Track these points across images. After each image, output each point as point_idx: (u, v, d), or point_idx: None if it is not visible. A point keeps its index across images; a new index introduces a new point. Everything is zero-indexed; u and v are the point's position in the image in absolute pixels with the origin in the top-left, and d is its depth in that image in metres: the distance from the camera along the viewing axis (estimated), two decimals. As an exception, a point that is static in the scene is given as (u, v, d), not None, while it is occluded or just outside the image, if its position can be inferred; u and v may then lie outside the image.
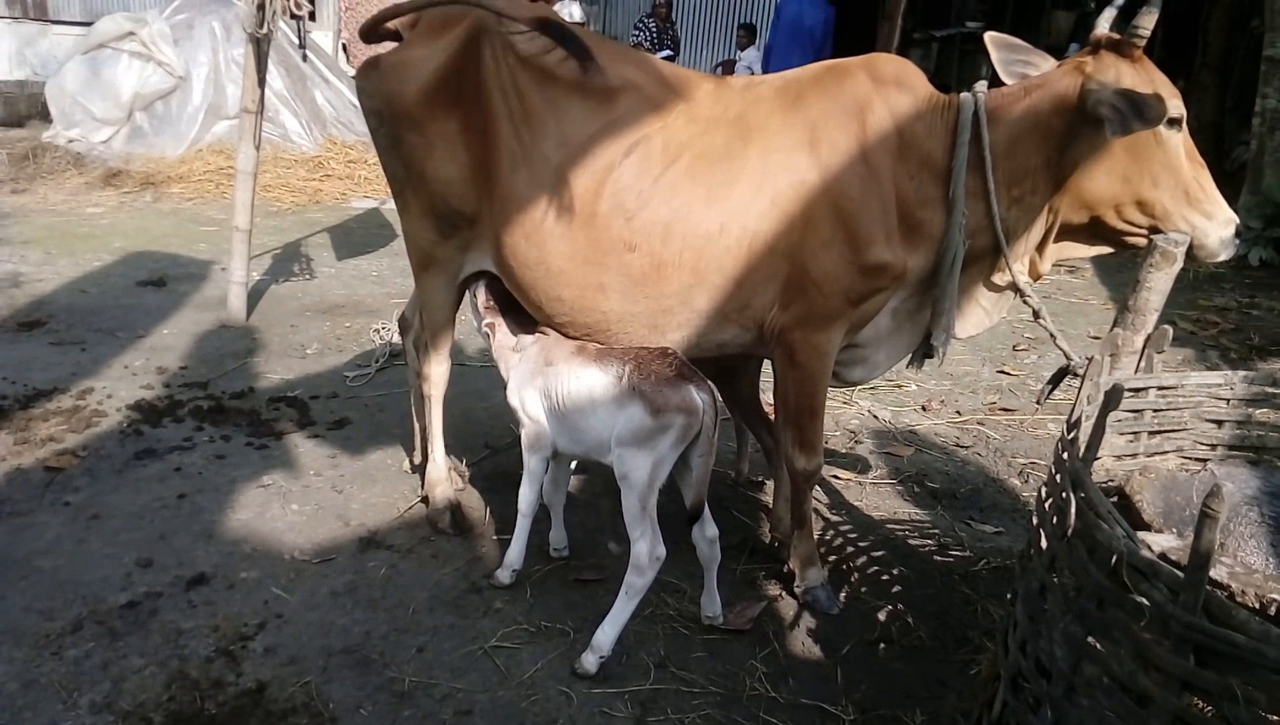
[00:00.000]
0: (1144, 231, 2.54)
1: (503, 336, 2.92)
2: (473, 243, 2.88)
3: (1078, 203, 2.57)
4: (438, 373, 3.19)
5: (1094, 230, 2.63)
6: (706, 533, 2.66)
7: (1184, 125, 2.50)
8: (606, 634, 2.52)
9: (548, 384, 2.70)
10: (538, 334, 2.86)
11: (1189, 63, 9.94)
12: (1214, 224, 2.48)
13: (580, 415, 2.63)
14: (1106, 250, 2.70)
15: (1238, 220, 2.53)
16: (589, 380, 2.60)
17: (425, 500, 3.26)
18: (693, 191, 2.56)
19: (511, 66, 2.64)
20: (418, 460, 3.49)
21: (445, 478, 3.23)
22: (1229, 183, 9.14)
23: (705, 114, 2.64)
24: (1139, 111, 2.28)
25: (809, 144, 2.56)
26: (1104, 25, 2.54)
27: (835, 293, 2.58)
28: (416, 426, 3.47)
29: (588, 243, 2.60)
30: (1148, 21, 2.41)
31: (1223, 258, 2.55)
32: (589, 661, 2.50)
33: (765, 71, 10.02)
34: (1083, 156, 2.49)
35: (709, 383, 2.54)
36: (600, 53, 2.68)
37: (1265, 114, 8.23)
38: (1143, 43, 2.44)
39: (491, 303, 2.95)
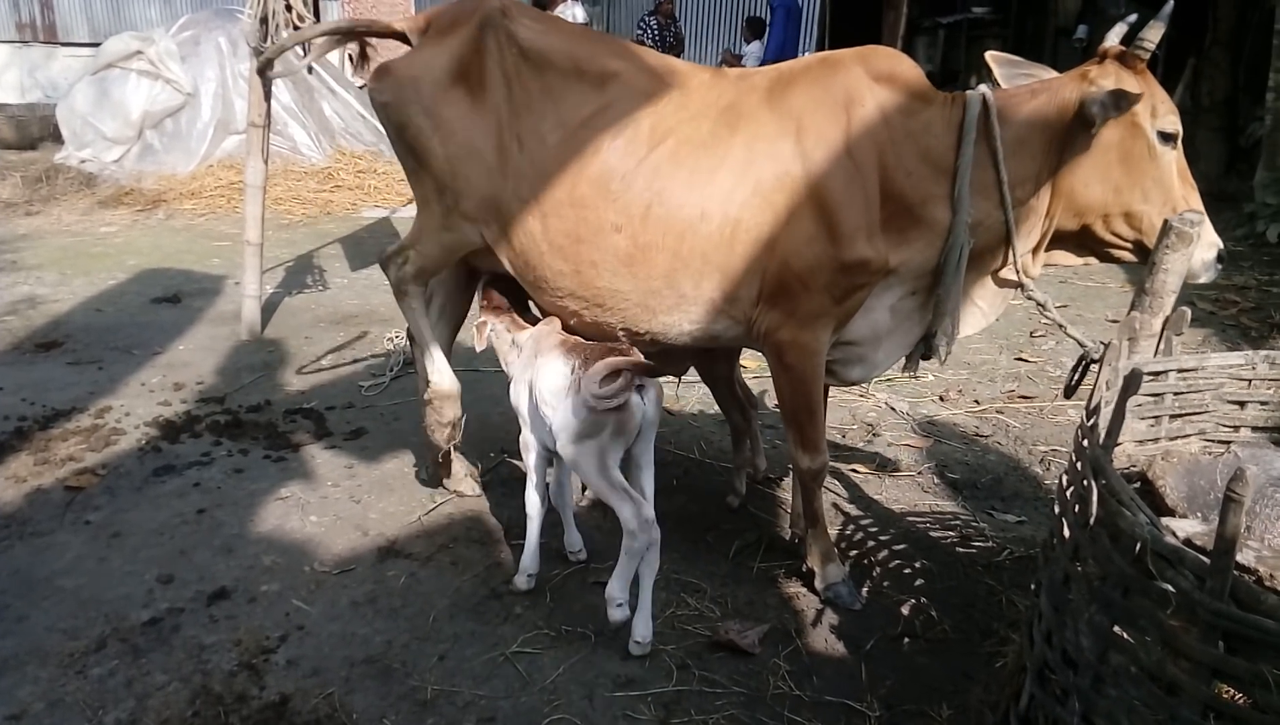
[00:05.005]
0: (1129, 245, 2.61)
1: (500, 336, 2.93)
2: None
3: (1071, 210, 2.60)
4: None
5: (1082, 239, 2.69)
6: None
7: (1179, 143, 2.57)
8: (615, 586, 2.54)
9: (533, 377, 2.72)
10: (540, 326, 2.87)
11: (1200, 39, 9.82)
12: (1198, 246, 2.39)
13: (547, 408, 2.64)
14: (1092, 261, 2.77)
15: (1221, 245, 2.59)
16: (553, 372, 2.62)
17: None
18: (674, 175, 2.60)
19: (514, 56, 2.71)
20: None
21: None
22: (1244, 159, 9.04)
23: (697, 101, 2.67)
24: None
25: (795, 134, 2.56)
26: (1114, 39, 2.59)
27: (819, 288, 2.57)
28: (431, 434, 3.47)
29: (579, 221, 2.66)
30: (1154, 35, 2.46)
31: (1202, 280, 2.60)
32: (614, 612, 2.54)
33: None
34: (1079, 163, 2.53)
35: (655, 382, 2.54)
36: (597, 44, 2.75)
37: (1278, 89, 8.10)
38: (1147, 56, 2.50)
39: (489, 303, 2.97)
